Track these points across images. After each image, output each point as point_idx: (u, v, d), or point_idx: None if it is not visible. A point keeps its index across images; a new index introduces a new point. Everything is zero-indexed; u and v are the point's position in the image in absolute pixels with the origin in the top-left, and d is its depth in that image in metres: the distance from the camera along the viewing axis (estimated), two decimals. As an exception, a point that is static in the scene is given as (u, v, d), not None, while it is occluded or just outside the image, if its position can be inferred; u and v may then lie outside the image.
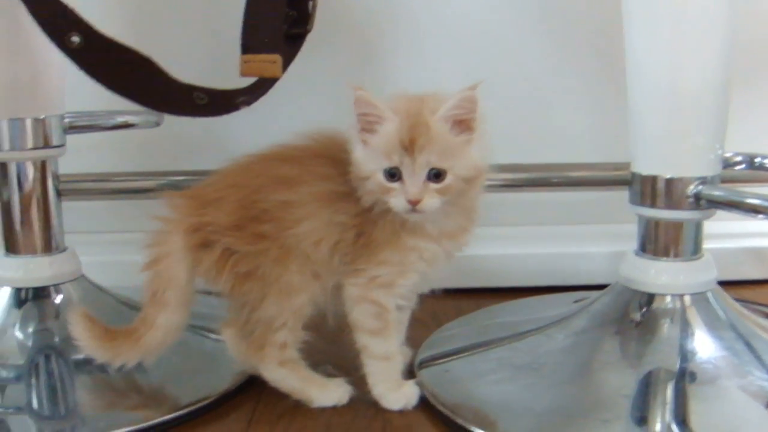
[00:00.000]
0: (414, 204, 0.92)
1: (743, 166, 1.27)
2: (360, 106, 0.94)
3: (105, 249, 1.44)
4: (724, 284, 1.08)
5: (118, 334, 1.00)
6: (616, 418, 0.93)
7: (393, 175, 0.93)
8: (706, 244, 1.07)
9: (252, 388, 1.06)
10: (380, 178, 0.94)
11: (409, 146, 0.91)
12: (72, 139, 1.20)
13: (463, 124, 0.93)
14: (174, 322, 1.00)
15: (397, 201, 0.93)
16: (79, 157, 1.28)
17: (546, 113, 1.49)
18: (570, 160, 1.35)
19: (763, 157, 1.27)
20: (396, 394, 1.01)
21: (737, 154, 1.26)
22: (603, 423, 0.92)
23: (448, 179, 0.93)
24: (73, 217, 1.26)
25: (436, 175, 0.92)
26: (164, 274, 0.99)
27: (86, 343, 1.00)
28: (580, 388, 1.00)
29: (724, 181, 1.07)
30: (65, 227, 1.21)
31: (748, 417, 0.93)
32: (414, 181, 0.92)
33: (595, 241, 1.46)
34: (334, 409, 1.00)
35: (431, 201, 0.93)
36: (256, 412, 1.01)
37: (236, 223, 0.97)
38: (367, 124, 0.95)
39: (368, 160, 0.94)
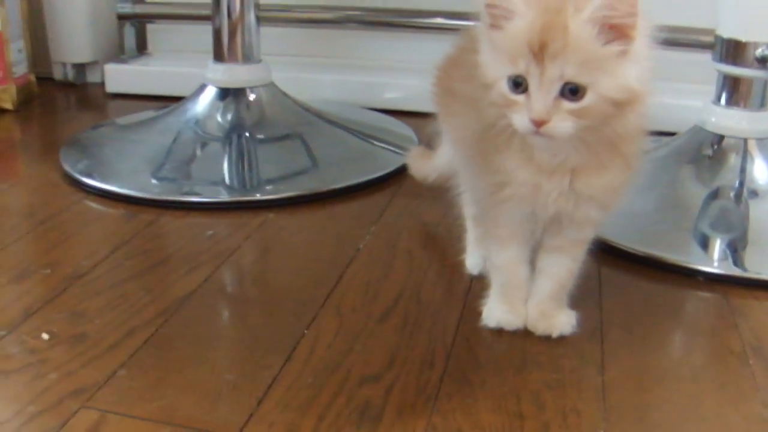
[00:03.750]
0: (538, 125, 0.77)
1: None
2: None
3: (296, 68, 1.81)
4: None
5: (428, 154, 1.23)
6: (684, 223, 1.19)
7: (518, 84, 0.78)
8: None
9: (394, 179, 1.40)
10: (503, 87, 0.79)
11: (538, 51, 0.75)
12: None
13: (618, 30, 0.75)
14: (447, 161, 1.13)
15: (519, 118, 0.78)
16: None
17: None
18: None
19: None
20: None
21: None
22: (675, 227, 1.19)
23: (588, 98, 0.76)
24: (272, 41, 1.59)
25: (573, 92, 0.76)
26: None
27: (412, 162, 1.27)
28: (657, 196, 1.25)
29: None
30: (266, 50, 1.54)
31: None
32: (541, 95, 0.76)
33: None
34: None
35: (562, 124, 0.77)
36: (397, 193, 1.35)
37: None
38: (495, 19, 0.79)
39: (493, 63, 0.80)
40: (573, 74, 0.75)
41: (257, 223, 1.24)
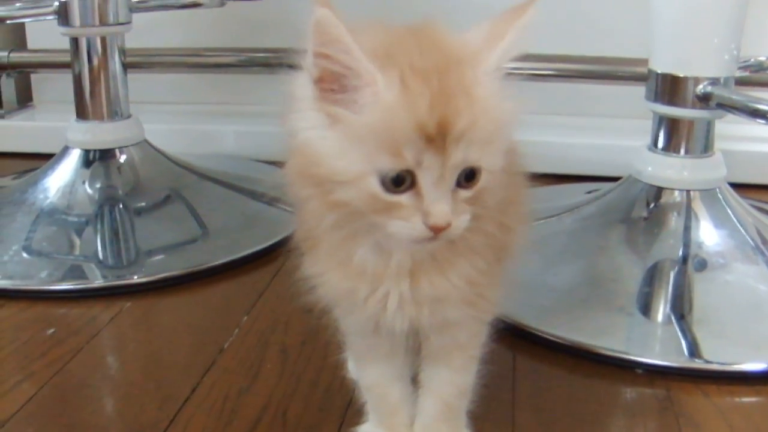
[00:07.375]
0: (439, 231, 0.56)
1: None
2: (321, 39, 0.54)
3: (171, 118, 1.61)
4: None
5: None
6: (616, 301, 0.99)
7: (400, 181, 0.55)
8: (743, 146, 1.10)
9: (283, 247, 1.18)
10: (373, 186, 0.55)
11: (437, 135, 0.54)
12: (149, 17, 1.31)
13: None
14: None
15: (409, 227, 0.56)
16: (153, 33, 1.41)
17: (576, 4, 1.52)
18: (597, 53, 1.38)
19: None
20: None
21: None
22: (582, 302, 1.00)
23: (483, 179, 0.57)
24: (143, 88, 1.39)
25: (469, 177, 0.57)
26: None
27: None
28: (583, 267, 1.06)
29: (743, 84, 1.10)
30: (136, 97, 1.33)
31: (752, 303, 0.99)
32: (441, 192, 0.55)
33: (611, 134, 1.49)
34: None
35: (463, 219, 0.57)
36: (281, 269, 1.14)
37: None
38: (334, 81, 0.55)
39: (347, 152, 0.55)
40: (477, 156, 0.55)
41: (109, 316, 1.02)
